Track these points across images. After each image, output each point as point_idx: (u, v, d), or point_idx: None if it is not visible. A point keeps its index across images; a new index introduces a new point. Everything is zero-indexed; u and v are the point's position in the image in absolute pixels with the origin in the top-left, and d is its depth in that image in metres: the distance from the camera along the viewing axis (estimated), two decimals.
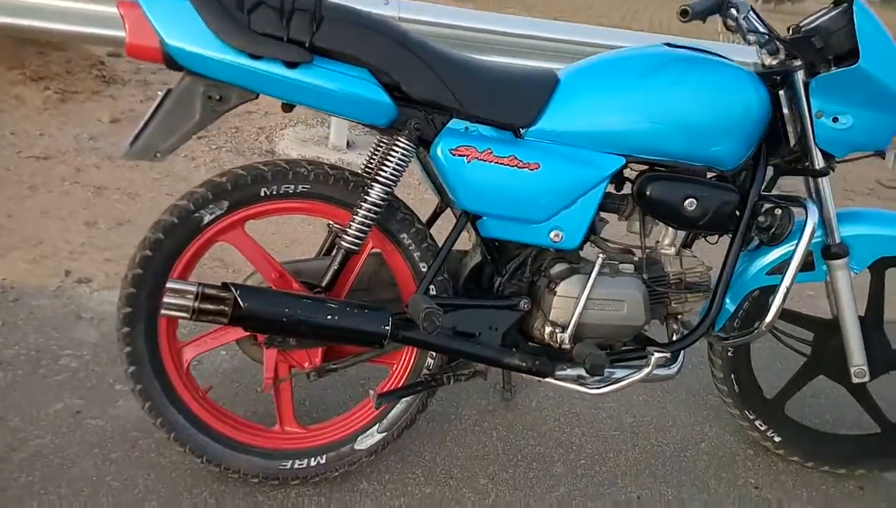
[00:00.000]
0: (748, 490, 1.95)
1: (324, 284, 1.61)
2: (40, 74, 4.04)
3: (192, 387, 1.67)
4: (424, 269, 1.68)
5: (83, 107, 3.97)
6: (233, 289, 1.42)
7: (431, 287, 1.62)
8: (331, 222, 1.83)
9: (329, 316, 1.47)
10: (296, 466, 1.70)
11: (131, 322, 1.57)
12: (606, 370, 1.63)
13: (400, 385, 1.74)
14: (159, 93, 1.47)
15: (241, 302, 1.41)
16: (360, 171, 1.73)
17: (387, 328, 1.49)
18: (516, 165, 1.56)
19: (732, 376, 2.01)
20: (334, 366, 1.68)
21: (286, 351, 1.65)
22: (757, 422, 2.03)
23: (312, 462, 1.71)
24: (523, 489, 1.84)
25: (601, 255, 1.64)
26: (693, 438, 2.13)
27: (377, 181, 1.55)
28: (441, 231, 1.69)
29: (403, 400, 1.72)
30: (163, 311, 1.42)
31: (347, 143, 4.09)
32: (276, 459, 1.70)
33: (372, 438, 1.74)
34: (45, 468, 1.67)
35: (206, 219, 1.56)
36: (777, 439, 2.03)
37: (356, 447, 1.74)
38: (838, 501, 1.96)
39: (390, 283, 1.77)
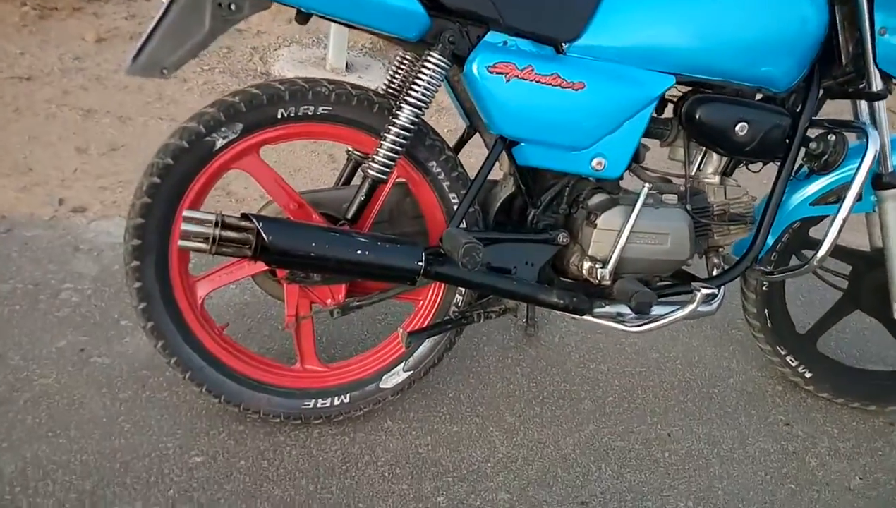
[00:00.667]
0: (779, 427, 1.90)
1: (349, 216, 1.48)
2: None
3: (207, 324, 1.57)
4: (454, 201, 1.56)
5: (64, 25, 3.71)
6: (254, 221, 1.30)
7: (463, 220, 1.51)
8: (351, 149, 1.70)
9: (359, 251, 1.35)
10: (318, 405, 1.62)
11: (140, 255, 1.45)
12: None
13: (427, 322, 1.65)
14: (163, 0, 1.31)
15: (264, 235, 1.28)
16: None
17: (420, 264, 1.38)
18: (559, 85, 1.42)
19: (766, 311, 1.93)
20: (359, 303, 1.58)
21: (308, 286, 1.55)
22: (788, 358, 1.97)
23: (336, 402, 1.63)
24: (551, 426, 1.78)
25: (647, 185, 1.53)
26: (721, 374, 2.07)
27: (407, 102, 1.41)
28: (467, 159, 1.56)
29: (430, 337, 1.63)
30: (180, 242, 1.29)
31: (346, 65, 3.88)
32: (297, 398, 1.62)
33: (398, 377, 1.66)
34: (52, 409, 1.58)
35: (219, 143, 1.43)
36: (808, 375, 1.98)
37: (381, 385, 1.66)
38: (868, 437, 1.92)
39: (414, 216, 1.65)
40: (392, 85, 1.62)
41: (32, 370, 1.67)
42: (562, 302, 1.53)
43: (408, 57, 1.62)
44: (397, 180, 1.56)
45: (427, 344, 1.65)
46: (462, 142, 1.75)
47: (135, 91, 3.14)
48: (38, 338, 1.76)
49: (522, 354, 2.01)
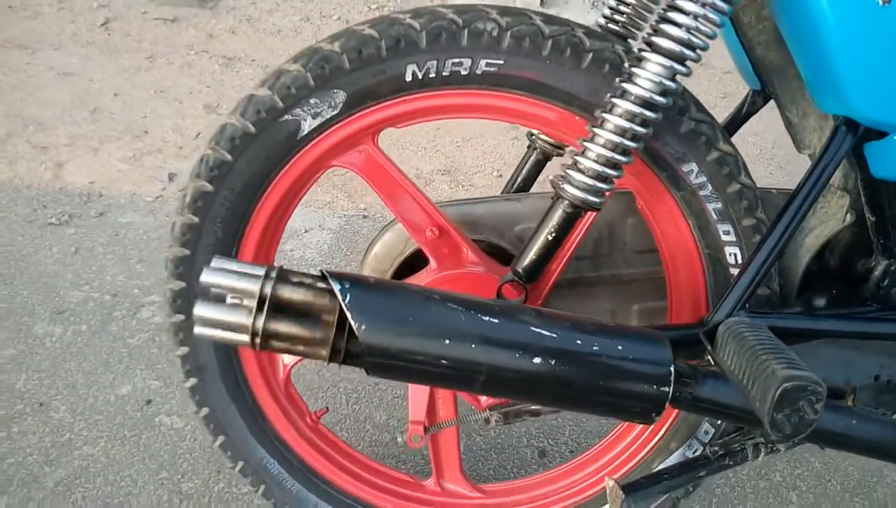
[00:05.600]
0: None
1: (522, 266, 0.80)
2: None
3: (294, 410, 0.99)
4: (728, 238, 0.83)
5: None
6: (337, 289, 0.65)
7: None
8: (537, 132, 1.01)
9: (537, 361, 0.66)
10: None
11: (185, 306, 0.89)
12: None
13: (649, 453, 0.94)
14: None
15: (353, 323, 0.64)
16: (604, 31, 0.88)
17: (665, 389, 0.67)
18: None
19: None
20: (536, 408, 0.90)
21: None
22: None
23: None
24: None
25: None
26: None
27: (658, 48, 0.69)
28: None
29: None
30: (196, 328, 0.68)
31: None
32: None
33: None
34: (87, 499, 1.10)
35: (307, 124, 0.81)
36: None
37: None
38: None
39: (639, 250, 0.95)
40: (615, 20, 0.90)
41: (79, 430, 1.20)
42: None
43: None
44: (620, 190, 0.86)
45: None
46: (739, 122, 0.99)
47: (290, 34, 2.64)
48: (97, 378, 1.29)
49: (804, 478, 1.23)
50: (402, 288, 0.69)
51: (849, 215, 0.84)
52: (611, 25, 0.89)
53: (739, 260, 0.84)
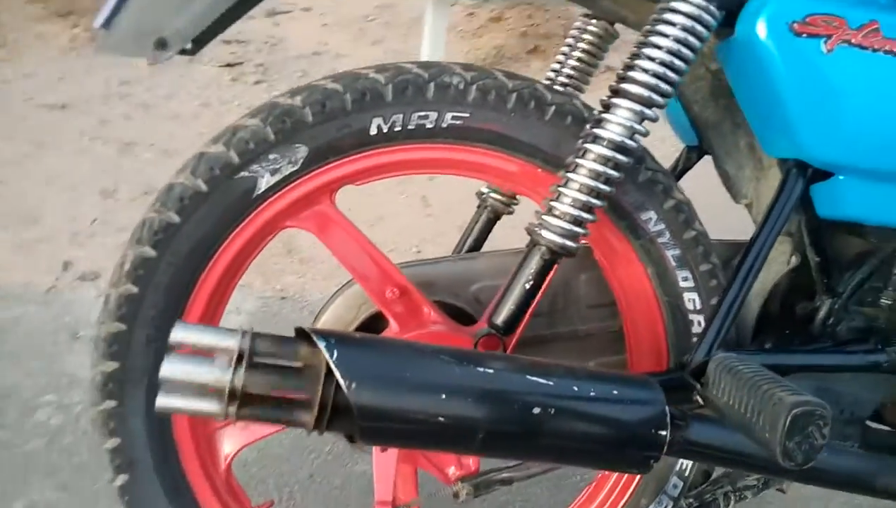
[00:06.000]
0: None
1: (500, 320, 0.78)
2: (68, 9, 3.31)
3: (236, 506, 0.88)
4: (686, 284, 0.84)
5: None
6: (322, 346, 0.60)
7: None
8: (486, 189, 1.02)
9: (550, 414, 0.63)
10: None
11: (118, 389, 0.79)
12: None
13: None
14: None
15: (342, 382, 0.58)
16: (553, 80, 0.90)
17: (664, 433, 0.65)
18: None
19: None
20: (508, 476, 0.86)
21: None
22: None
23: None
24: None
25: None
26: None
27: (625, 96, 0.71)
28: None
29: None
30: (159, 399, 0.59)
31: None
32: None
33: None
34: None
35: (264, 181, 0.77)
36: None
37: None
38: None
39: (592, 305, 0.95)
40: (562, 73, 0.94)
41: None
42: None
43: (591, 27, 0.93)
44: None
45: None
46: (676, 177, 1.03)
47: (189, 119, 2.57)
48: None
49: None
50: (390, 343, 0.65)
51: (793, 258, 0.88)
52: (563, 77, 0.92)
53: (698, 306, 0.85)
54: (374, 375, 0.60)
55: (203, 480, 0.84)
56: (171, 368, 0.57)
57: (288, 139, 0.76)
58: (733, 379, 0.63)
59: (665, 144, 1.21)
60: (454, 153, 0.81)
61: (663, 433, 0.64)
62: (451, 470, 0.86)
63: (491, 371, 0.63)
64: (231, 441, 0.87)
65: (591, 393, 0.64)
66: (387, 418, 0.60)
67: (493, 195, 1.00)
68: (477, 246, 1.03)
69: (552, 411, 0.62)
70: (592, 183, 0.72)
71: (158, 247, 0.76)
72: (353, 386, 0.58)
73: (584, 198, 0.72)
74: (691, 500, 0.85)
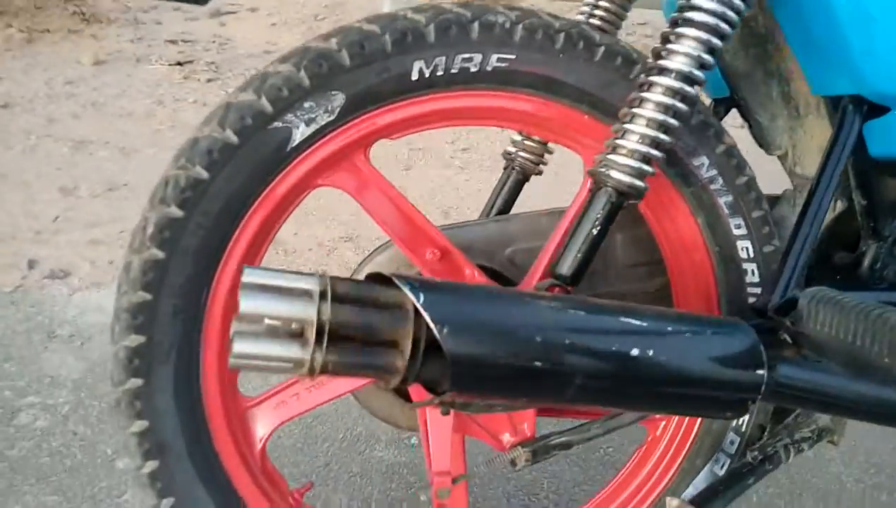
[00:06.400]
0: None
1: (565, 270, 0.73)
2: (1, 9, 3.13)
3: (275, 492, 0.81)
4: (739, 232, 0.82)
5: (57, 48, 3.05)
6: (409, 291, 0.54)
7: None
8: (514, 148, 0.98)
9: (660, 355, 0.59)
10: None
11: (145, 366, 0.71)
12: None
13: (680, 462, 0.88)
14: None
15: (435, 328, 0.52)
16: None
17: (761, 372, 0.61)
18: None
19: None
20: (565, 440, 0.81)
21: (474, 413, 0.80)
22: None
23: None
24: None
25: None
26: None
27: (691, 25, 0.68)
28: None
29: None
30: (235, 347, 0.52)
31: None
32: None
33: None
34: None
35: (299, 133, 0.71)
36: None
37: None
38: None
39: (631, 264, 0.92)
40: (595, 15, 0.91)
41: None
42: None
43: None
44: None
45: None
46: None
47: (142, 117, 2.44)
48: None
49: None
50: (474, 287, 0.60)
51: (839, 203, 0.87)
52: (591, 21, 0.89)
53: (751, 254, 0.83)
54: (464, 318, 0.55)
55: (239, 463, 0.77)
56: (250, 303, 0.50)
57: (324, 85, 0.70)
58: (835, 309, 0.61)
59: None
60: (496, 100, 0.76)
61: (760, 372, 0.61)
62: (506, 437, 0.81)
63: (584, 313, 0.58)
64: (264, 421, 0.80)
65: (687, 334, 0.60)
66: (481, 363, 0.54)
67: (521, 154, 0.96)
68: (506, 208, 0.98)
69: (651, 352, 0.58)
70: (661, 116, 0.68)
71: (186, 206, 0.70)
72: (446, 329, 0.53)
73: (652, 133, 0.68)
74: (756, 453, 0.83)
